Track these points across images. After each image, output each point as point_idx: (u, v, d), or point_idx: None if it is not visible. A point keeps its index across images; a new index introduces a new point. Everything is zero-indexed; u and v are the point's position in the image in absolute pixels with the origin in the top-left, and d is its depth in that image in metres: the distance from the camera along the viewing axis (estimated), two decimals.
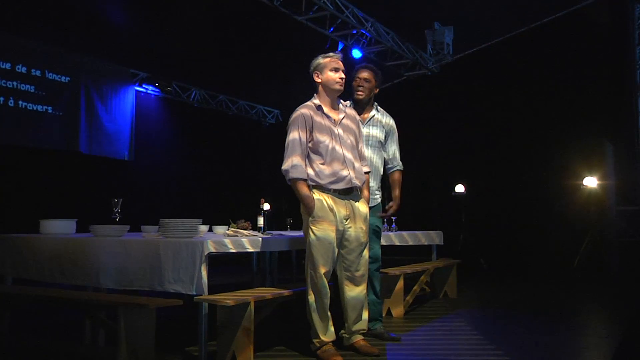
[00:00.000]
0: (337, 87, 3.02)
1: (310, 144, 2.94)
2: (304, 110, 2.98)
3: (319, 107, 3.00)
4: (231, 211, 4.27)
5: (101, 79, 7.53)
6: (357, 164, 3.03)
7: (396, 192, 3.56)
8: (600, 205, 7.44)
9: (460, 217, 7.99)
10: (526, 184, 7.77)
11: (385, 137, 3.54)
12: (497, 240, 7.87)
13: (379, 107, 3.57)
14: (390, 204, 3.51)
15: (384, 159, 3.56)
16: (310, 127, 2.94)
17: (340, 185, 2.93)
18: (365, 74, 3.46)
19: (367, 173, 3.18)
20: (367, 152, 3.39)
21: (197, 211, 3.99)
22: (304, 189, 2.89)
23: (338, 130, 2.99)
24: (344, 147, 2.98)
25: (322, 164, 2.93)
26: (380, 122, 3.52)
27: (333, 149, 2.94)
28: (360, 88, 3.45)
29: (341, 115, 3.05)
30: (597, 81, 7.45)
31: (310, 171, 2.93)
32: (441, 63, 8.48)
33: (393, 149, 3.59)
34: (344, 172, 2.94)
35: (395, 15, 7.32)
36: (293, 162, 2.89)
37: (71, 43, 6.90)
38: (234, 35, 7.14)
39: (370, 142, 3.44)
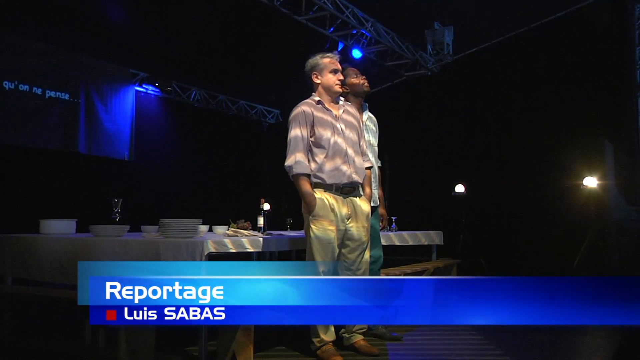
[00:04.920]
0: (337, 88, 3.04)
1: (312, 139, 2.95)
2: (304, 107, 2.99)
3: (318, 102, 3.02)
4: (231, 211, 4.27)
5: (101, 79, 7.52)
6: (357, 160, 3.04)
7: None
8: (600, 205, 7.43)
9: (460, 217, 7.98)
10: (526, 184, 7.76)
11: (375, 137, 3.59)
12: (497, 240, 7.86)
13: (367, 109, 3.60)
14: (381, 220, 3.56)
15: None
16: (311, 123, 2.95)
17: (342, 180, 2.93)
18: (355, 70, 3.47)
19: (368, 169, 3.18)
20: (368, 153, 3.41)
21: (197, 211, 3.99)
22: (306, 186, 2.89)
23: (340, 125, 3.00)
24: (346, 141, 2.99)
25: (325, 157, 2.93)
26: (372, 125, 3.55)
27: (335, 142, 2.95)
28: (366, 82, 3.46)
29: (341, 110, 3.07)
30: (597, 81, 7.44)
31: (312, 165, 2.93)
32: (441, 63, 8.47)
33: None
34: (345, 167, 2.95)
35: (395, 15, 7.31)
36: (296, 158, 2.90)
37: (71, 43, 6.89)
38: (234, 35, 7.13)
39: (368, 145, 3.45)
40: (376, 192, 3.47)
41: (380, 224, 3.55)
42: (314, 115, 2.96)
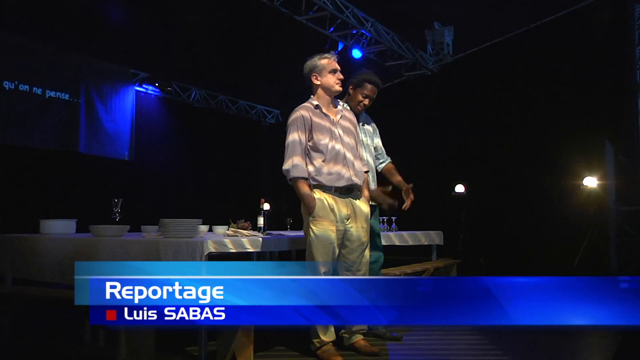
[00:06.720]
0: (337, 88, 3.05)
1: (310, 143, 2.96)
2: (302, 111, 3.00)
3: (317, 107, 3.02)
4: (231, 211, 4.27)
5: (101, 79, 7.51)
6: (357, 163, 3.05)
7: (399, 177, 3.60)
8: (600, 205, 7.43)
9: (460, 217, 7.98)
10: (526, 183, 7.76)
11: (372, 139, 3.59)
12: (497, 240, 7.87)
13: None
14: (406, 198, 3.50)
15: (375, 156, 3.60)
16: (309, 127, 2.96)
17: (340, 183, 2.95)
18: (374, 92, 3.43)
19: (365, 172, 3.20)
20: (365, 155, 3.41)
21: (197, 211, 3.99)
22: (304, 188, 2.90)
23: (337, 130, 3.01)
24: (344, 146, 3.00)
25: (323, 161, 2.94)
26: (368, 126, 3.56)
27: (333, 147, 2.96)
28: (367, 103, 3.44)
29: (339, 116, 3.07)
30: (597, 81, 7.43)
31: (310, 168, 2.94)
32: (441, 63, 8.47)
33: (380, 144, 3.63)
34: (344, 170, 2.96)
35: (395, 15, 7.31)
36: (294, 162, 2.91)
37: (71, 43, 6.89)
38: (234, 35, 7.13)
39: (364, 147, 3.46)
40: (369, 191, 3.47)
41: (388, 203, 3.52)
42: (312, 120, 2.97)
